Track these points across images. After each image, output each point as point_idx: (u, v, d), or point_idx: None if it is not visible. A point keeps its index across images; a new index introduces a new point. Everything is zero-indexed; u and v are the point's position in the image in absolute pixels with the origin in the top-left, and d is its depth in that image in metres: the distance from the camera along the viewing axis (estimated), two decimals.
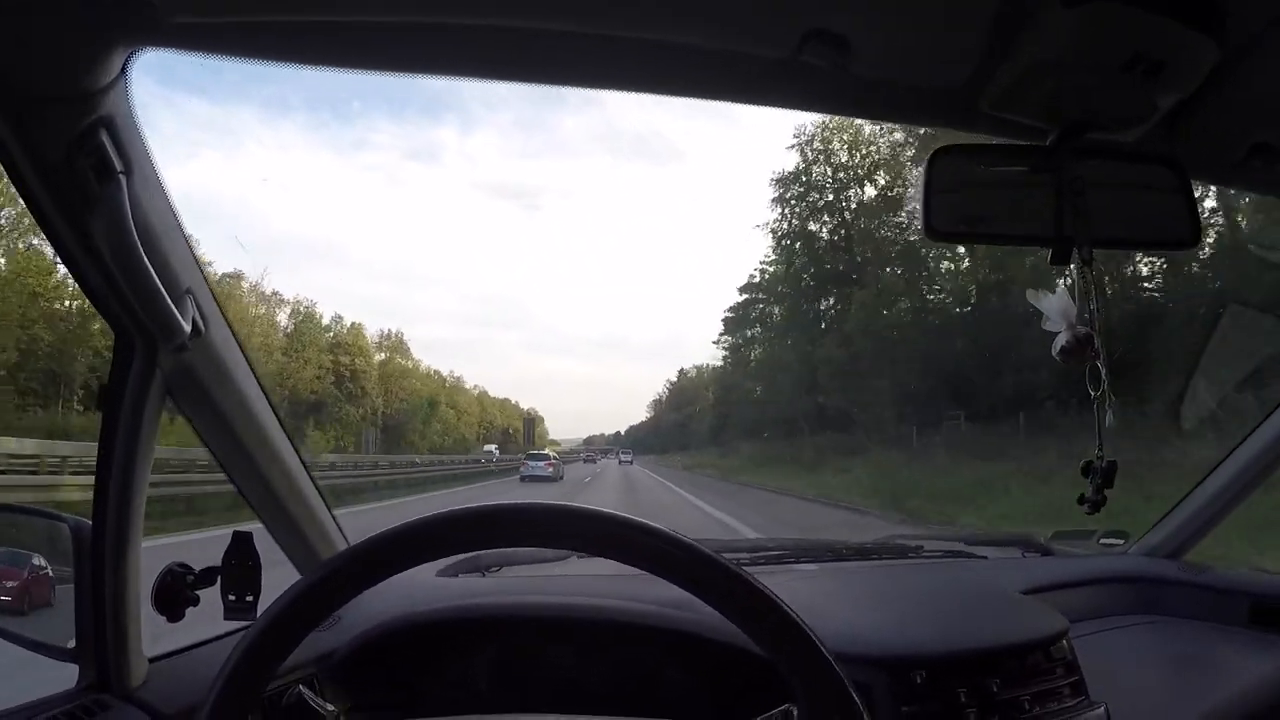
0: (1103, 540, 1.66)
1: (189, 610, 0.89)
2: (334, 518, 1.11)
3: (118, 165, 0.67)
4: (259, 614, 0.85)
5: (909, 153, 22.65)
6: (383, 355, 41.13)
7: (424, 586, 1.16)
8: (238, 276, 32.07)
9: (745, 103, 0.65)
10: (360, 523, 0.80)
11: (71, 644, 0.83)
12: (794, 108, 0.68)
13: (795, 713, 0.62)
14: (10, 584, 0.88)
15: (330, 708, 0.71)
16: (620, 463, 45.57)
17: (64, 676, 0.83)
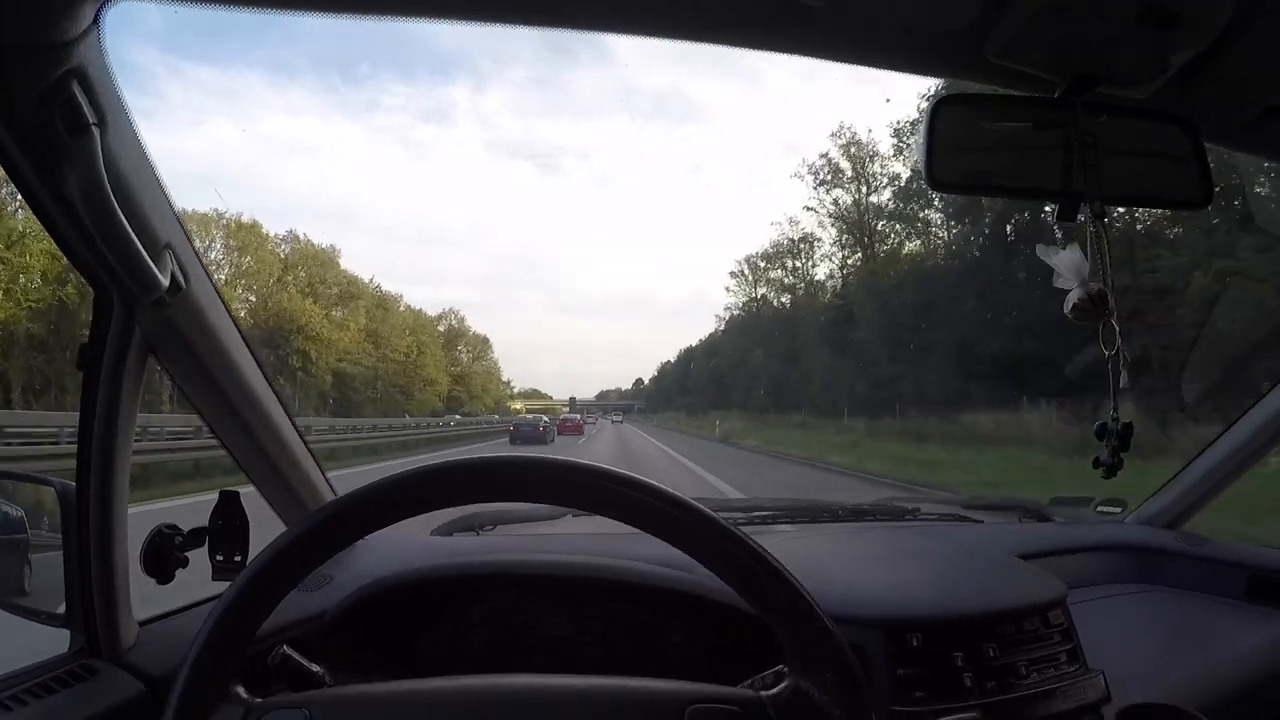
0: (1100, 508, 1.65)
1: (185, 574, 0.88)
2: (325, 475, 1.10)
3: (90, 117, 0.64)
4: None
5: None
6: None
7: (417, 545, 1.15)
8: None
9: (739, 46, 0.62)
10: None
11: (62, 609, 0.83)
12: (792, 52, 0.65)
13: (788, 671, 0.61)
14: None
15: (316, 668, 0.70)
16: (614, 423, 46.85)
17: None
